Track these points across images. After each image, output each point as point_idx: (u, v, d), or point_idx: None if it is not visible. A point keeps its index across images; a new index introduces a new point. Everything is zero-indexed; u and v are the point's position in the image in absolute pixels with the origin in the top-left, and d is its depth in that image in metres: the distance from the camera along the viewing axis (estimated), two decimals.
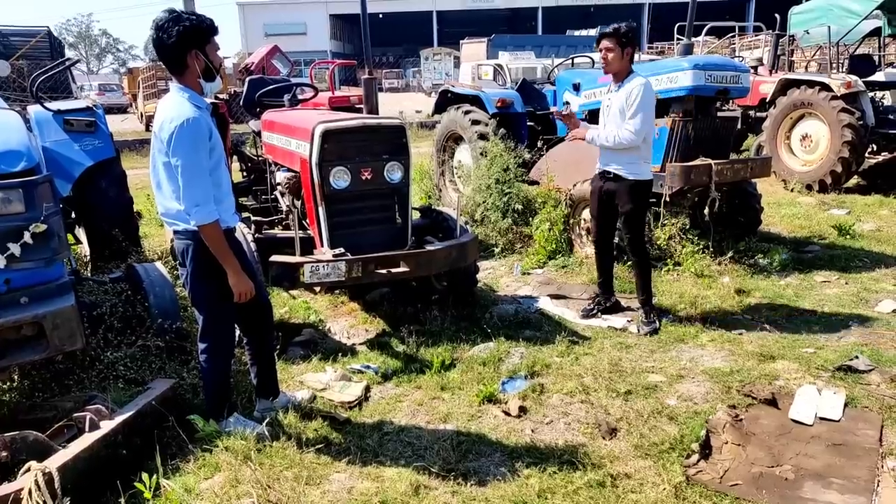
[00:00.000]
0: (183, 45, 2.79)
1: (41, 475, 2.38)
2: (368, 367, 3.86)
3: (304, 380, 3.70)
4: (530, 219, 6.13)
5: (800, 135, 8.83)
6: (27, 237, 2.89)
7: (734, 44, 16.91)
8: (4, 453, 2.66)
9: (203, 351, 3.08)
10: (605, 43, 4.20)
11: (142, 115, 21.41)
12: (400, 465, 2.88)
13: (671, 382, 3.63)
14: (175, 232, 2.98)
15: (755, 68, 10.70)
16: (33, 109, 4.92)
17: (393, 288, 5.03)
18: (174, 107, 2.80)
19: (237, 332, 3.34)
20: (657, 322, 4.38)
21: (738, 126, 9.54)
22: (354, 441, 3.09)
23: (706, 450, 2.98)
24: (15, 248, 2.87)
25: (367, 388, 3.62)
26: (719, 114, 5.89)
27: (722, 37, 16.70)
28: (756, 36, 17.86)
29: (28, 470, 2.43)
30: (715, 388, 3.55)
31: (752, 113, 10.35)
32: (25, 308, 2.94)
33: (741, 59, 12.20)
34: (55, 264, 3.09)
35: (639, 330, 4.34)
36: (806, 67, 11.63)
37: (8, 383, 3.38)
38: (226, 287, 2.94)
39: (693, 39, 10.38)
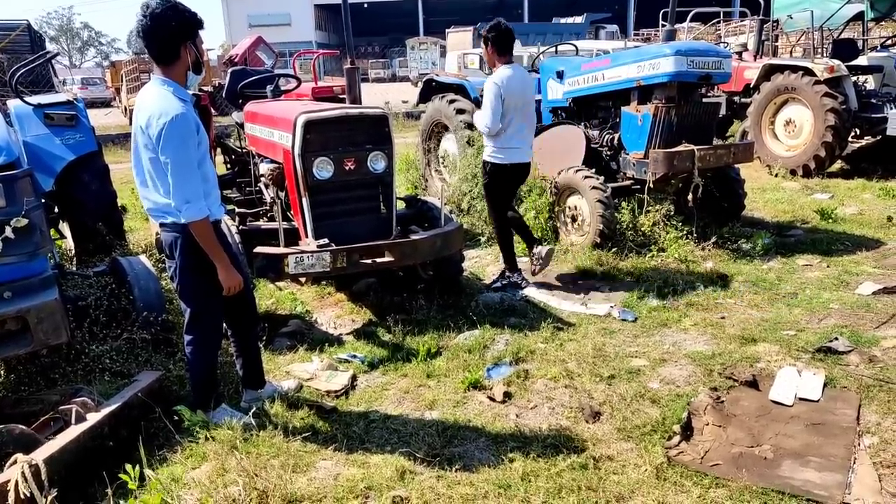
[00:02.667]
0: (179, 36, 2.77)
1: (27, 467, 2.40)
2: (355, 356, 3.88)
3: (291, 370, 3.72)
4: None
5: (784, 120, 8.90)
6: (8, 232, 2.90)
7: (719, 29, 16.97)
8: None
9: (189, 343, 3.09)
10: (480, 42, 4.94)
11: (125, 109, 21.17)
12: (386, 451, 2.91)
13: (654, 366, 3.68)
14: (162, 225, 2.96)
15: (740, 54, 10.75)
16: (13, 104, 4.87)
17: (379, 278, 5.04)
18: (160, 101, 2.74)
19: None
20: (510, 280, 4.93)
21: (723, 112, 9.63)
22: (341, 429, 3.11)
23: (687, 431, 3.03)
24: None
25: (354, 377, 3.64)
26: (702, 100, 5.94)
27: (707, 22, 16.74)
28: (741, 21, 17.92)
29: (14, 462, 2.45)
30: (697, 371, 3.60)
31: (736, 99, 10.41)
32: (9, 303, 2.95)
33: (726, 44, 12.23)
34: (38, 258, 3.09)
35: (490, 285, 4.88)
36: (790, 53, 11.70)
37: None
38: (214, 280, 2.94)
39: (678, 25, 10.41)
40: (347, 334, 4.31)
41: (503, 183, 4.92)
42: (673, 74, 5.37)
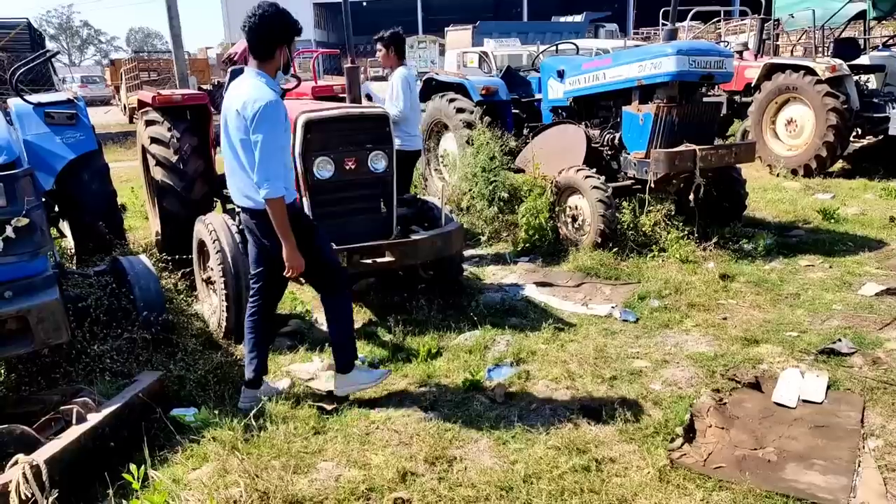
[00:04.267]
0: (278, 37, 3.08)
1: (28, 468, 2.39)
2: None
3: (292, 370, 3.71)
4: (516, 207, 6.14)
5: (785, 119, 8.89)
6: (9, 231, 2.89)
7: (720, 28, 16.94)
8: None
9: (342, 301, 3.34)
10: (378, 46, 5.55)
11: (125, 107, 21.17)
12: (387, 452, 2.90)
13: (656, 368, 3.67)
14: (247, 210, 3.18)
15: (740, 53, 10.73)
16: (13, 102, 4.85)
17: (379, 277, 5.03)
18: (256, 89, 3.01)
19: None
20: None
21: (723, 111, 9.61)
22: (341, 430, 3.10)
23: (690, 434, 3.02)
24: None
25: None
26: (704, 99, 5.92)
27: (707, 21, 16.71)
28: (742, 20, 17.91)
29: (16, 463, 2.45)
30: (699, 373, 3.59)
31: (737, 98, 10.39)
32: (9, 302, 2.93)
33: (727, 43, 12.21)
34: (39, 258, 3.08)
35: None
36: (791, 52, 11.69)
37: None
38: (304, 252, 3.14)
39: (678, 24, 10.38)
40: None
41: (404, 171, 5.21)
42: (675, 74, 5.36)
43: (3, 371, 3.48)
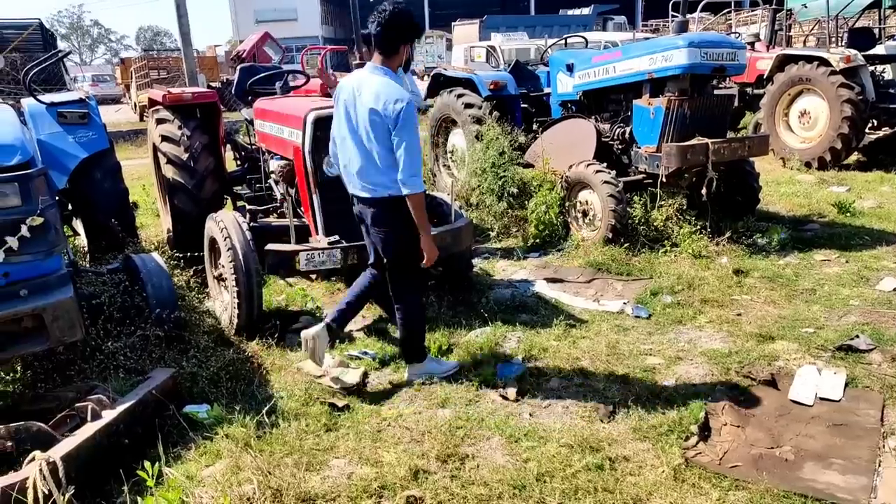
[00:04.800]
0: (405, 35, 3.26)
1: (45, 464, 2.41)
2: (366, 353, 3.87)
3: (303, 367, 3.71)
4: (526, 202, 6.11)
5: (798, 111, 8.77)
6: (24, 230, 2.92)
7: (730, 20, 16.76)
8: (9, 443, 2.71)
9: (407, 302, 3.47)
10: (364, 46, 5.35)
11: (135, 105, 21.29)
12: (399, 450, 2.89)
13: (669, 364, 3.65)
14: (371, 201, 3.29)
15: (752, 44, 10.60)
16: (27, 102, 4.88)
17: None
18: (390, 87, 3.16)
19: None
20: None
21: (736, 104, 9.50)
22: (353, 427, 3.10)
23: (705, 432, 2.99)
24: (13, 242, 2.90)
25: (365, 374, 3.62)
26: (715, 91, 5.85)
27: (718, 13, 16.54)
28: (753, 11, 17.70)
29: (33, 459, 2.46)
30: (714, 370, 3.56)
31: (749, 90, 10.27)
32: (25, 300, 2.97)
33: (738, 35, 12.07)
34: (53, 257, 3.11)
35: None
36: (804, 42, 11.54)
37: (10, 374, 3.41)
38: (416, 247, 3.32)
39: (688, 16, 10.28)
40: (358, 331, 4.29)
41: None
42: (686, 67, 5.30)
43: (19, 368, 3.51)
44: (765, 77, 9.30)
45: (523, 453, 2.86)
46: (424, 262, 3.35)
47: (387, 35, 3.21)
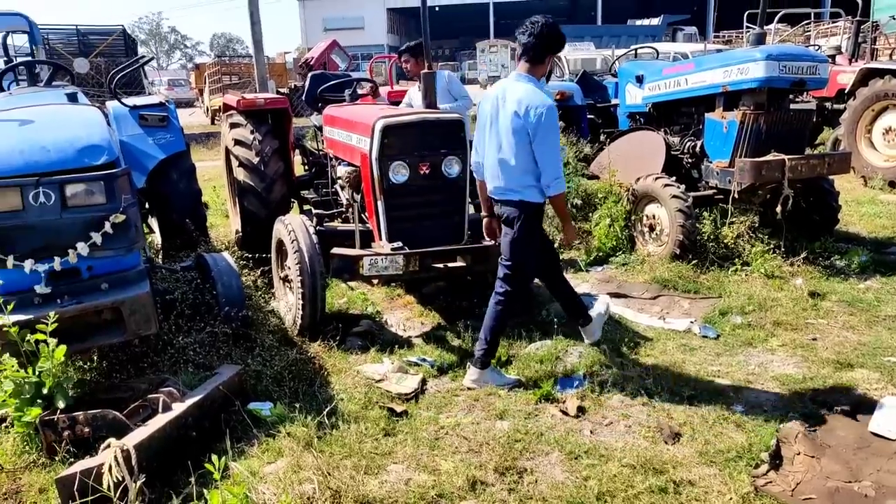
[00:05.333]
0: (552, 47, 3.46)
1: (120, 452, 2.51)
2: (424, 359, 3.88)
3: (362, 370, 3.75)
4: (590, 214, 6.01)
5: (882, 128, 8.31)
6: (108, 227, 3.07)
7: (809, 31, 16.07)
8: (87, 429, 2.85)
9: (502, 295, 3.56)
10: (405, 56, 5.66)
11: (207, 109, 22.16)
12: (456, 459, 2.88)
13: (738, 388, 3.50)
14: (507, 202, 3.50)
15: (833, 57, 10.14)
16: (111, 105, 5.14)
17: (448, 282, 5.03)
18: (535, 94, 3.35)
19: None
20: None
21: (814, 119, 9.08)
22: (411, 433, 3.11)
23: (776, 460, 2.86)
24: (97, 237, 3.06)
25: (424, 381, 3.64)
26: (793, 106, 5.62)
27: (796, 24, 15.89)
28: (833, 22, 16.92)
29: (108, 446, 2.57)
30: (786, 396, 3.40)
31: (828, 105, 9.81)
32: (105, 294, 3.13)
33: (817, 47, 11.57)
34: (132, 253, 3.27)
35: None
36: (890, 56, 10.93)
37: (88, 364, 3.56)
38: (538, 247, 3.61)
39: (765, 27, 9.93)
40: (417, 337, 4.31)
41: None
42: (763, 80, 5.11)
43: (95, 358, 3.67)
44: (846, 92, 8.86)
45: (583, 471, 2.79)
46: (566, 242, 3.82)
47: (537, 46, 3.40)
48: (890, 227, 6.44)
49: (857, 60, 10.06)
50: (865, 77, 8.46)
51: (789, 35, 15.38)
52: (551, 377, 3.60)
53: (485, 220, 3.87)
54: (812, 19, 15.50)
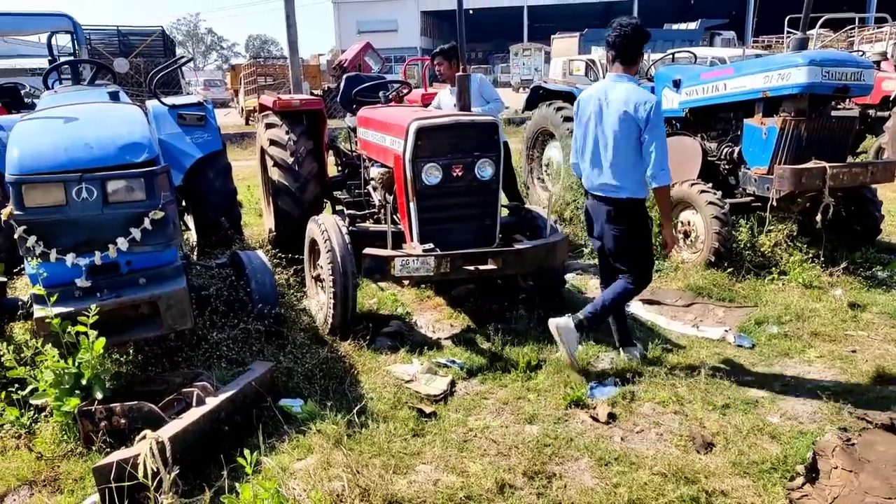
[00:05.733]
0: (643, 46, 3.66)
1: (155, 444, 2.55)
2: (454, 361, 3.88)
3: (392, 370, 3.77)
4: None
5: None
6: (147, 223, 3.15)
7: (853, 37, 15.67)
8: (123, 421, 2.92)
9: (629, 282, 3.72)
10: (438, 60, 5.49)
11: (242, 110, 22.51)
12: (485, 462, 2.87)
13: (774, 399, 3.42)
14: (617, 199, 3.63)
15: (878, 63, 9.87)
16: (151, 104, 5.25)
17: (478, 284, 5.02)
18: (638, 92, 3.53)
19: None
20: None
21: (857, 126, 8.85)
22: (440, 434, 3.11)
23: (812, 473, 2.78)
24: (136, 233, 3.14)
25: (453, 383, 3.64)
26: (835, 113, 5.48)
27: (839, 29, 15.50)
28: (879, 28, 16.46)
29: (144, 438, 2.61)
30: (823, 408, 3.31)
31: (871, 112, 9.56)
32: (143, 288, 3.21)
33: (861, 53, 11.27)
34: (170, 249, 3.34)
35: None
36: None
37: (125, 356, 3.65)
38: (649, 238, 3.80)
39: (807, 33, 9.72)
40: (446, 339, 4.31)
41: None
42: (805, 86, 5.00)
43: (132, 351, 3.75)
44: (891, 99, 8.62)
45: (613, 478, 2.76)
46: (668, 248, 3.86)
47: (629, 47, 3.58)
48: None
49: None
50: None
51: (832, 40, 15.00)
52: (582, 383, 3.56)
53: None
54: (856, 24, 15.10)
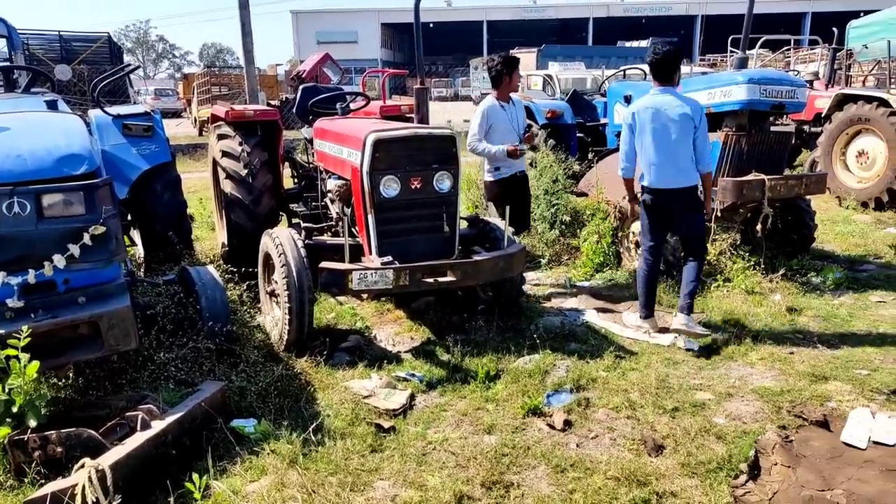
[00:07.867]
0: (676, 64, 4.35)
1: (94, 472, 2.42)
2: (413, 375, 3.87)
3: (350, 386, 3.73)
4: (578, 230, 6.06)
5: (856, 151, 8.54)
6: (86, 239, 2.94)
7: (789, 57, 16.45)
8: (59, 449, 2.73)
9: (704, 256, 4.50)
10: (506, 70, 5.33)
11: (195, 120, 21.98)
12: (443, 474, 2.87)
13: (719, 401, 3.54)
14: (690, 188, 4.33)
15: (811, 82, 10.42)
16: (94, 113, 5.01)
17: (438, 297, 5.03)
18: (689, 98, 4.36)
19: None
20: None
21: (793, 141, 9.28)
22: (398, 449, 3.09)
23: (755, 471, 2.91)
24: (74, 249, 2.93)
25: (412, 397, 3.62)
26: (773, 128, 5.75)
27: (777, 50, 16.27)
28: (811, 49, 17.36)
29: (82, 466, 2.48)
30: (764, 408, 3.45)
31: (806, 128, 10.06)
32: (83, 307, 2.99)
33: (796, 72, 11.87)
34: (112, 265, 3.14)
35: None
36: (863, 82, 11.24)
37: (63, 380, 3.45)
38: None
39: (747, 52, 10.17)
40: (406, 352, 4.29)
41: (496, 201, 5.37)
42: (745, 103, 5.23)
43: (71, 374, 3.54)
44: (823, 115, 9.09)
45: (569, 484, 2.80)
46: (707, 211, 4.58)
47: (666, 67, 4.30)
48: (862, 246, 6.60)
49: (833, 86, 10.33)
50: (840, 102, 8.70)
51: (770, 60, 15.75)
52: (539, 391, 3.60)
53: (632, 204, 4.75)
54: (792, 45, 15.88)
